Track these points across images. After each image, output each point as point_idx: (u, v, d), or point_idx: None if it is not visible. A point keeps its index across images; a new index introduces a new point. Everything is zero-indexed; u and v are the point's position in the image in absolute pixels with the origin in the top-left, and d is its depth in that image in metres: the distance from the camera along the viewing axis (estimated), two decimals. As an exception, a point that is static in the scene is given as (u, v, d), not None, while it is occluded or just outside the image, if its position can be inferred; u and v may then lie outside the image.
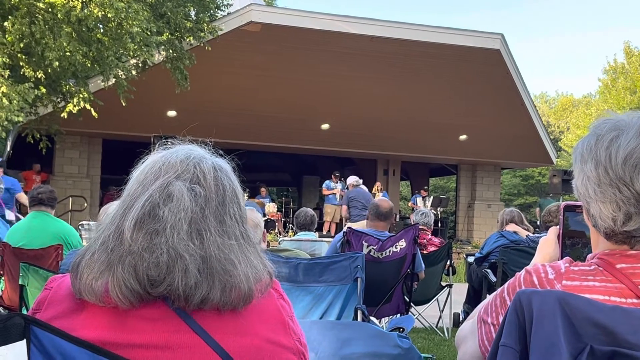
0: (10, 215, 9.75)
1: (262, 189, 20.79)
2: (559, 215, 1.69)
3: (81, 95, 12.93)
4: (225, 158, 1.49)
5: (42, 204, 6.42)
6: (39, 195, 6.44)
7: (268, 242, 5.76)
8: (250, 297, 1.36)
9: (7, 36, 11.72)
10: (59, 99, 13.95)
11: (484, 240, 8.63)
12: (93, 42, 12.55)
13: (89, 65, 12.78)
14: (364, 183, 15.25)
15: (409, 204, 21.37)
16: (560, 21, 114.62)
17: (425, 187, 21.75)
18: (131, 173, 1.44)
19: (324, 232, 17.75)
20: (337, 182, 18.65)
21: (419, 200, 20.69)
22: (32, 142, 14.42)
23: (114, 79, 13.32)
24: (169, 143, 1.50)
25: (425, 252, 8.08)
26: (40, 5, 11.54)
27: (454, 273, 8.61)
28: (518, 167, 31.95)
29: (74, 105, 12.98)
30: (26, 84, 11.56)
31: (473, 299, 8.19)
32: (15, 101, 11.24)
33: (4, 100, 11.19)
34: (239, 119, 19.28)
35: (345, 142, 21.33)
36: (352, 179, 14.17)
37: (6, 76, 11.60)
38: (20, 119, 11.52)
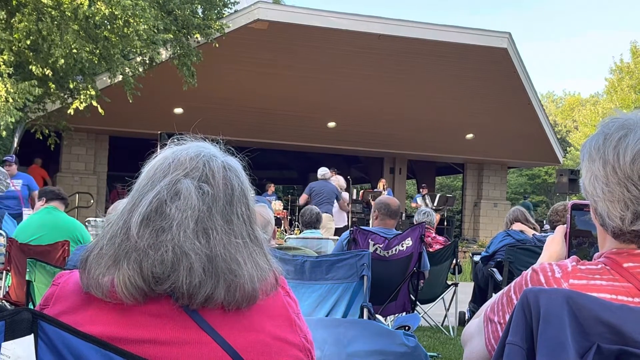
0: (28, 211, 9.72)
1: (270, 187, 20.74)
2: (566, 214, 1.68)
3: (88, 92, 12.96)
4: (237, 156, 1.49)
5: (58, 198, 6.47)
6: (55, 191, 6.51)
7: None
8: (254, 297, 1.36)
9: (14, 33, 11.75)
10: (66, 96, 13.99)
11: (489, 239, 8.62)
12: (100, 39, 12.58)
13: (95, 62, 12.80)
14: (369, 180, 15.20)
15: (412, 205, 21.31)
16: (568, 21, 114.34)
17: (424, 185, 21.67)
18: (142, 168, 1.44)
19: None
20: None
21: (419, 199, 20.61)
22: (40, 138, 14.46)
23: (121, 76, 13.34)
24: (180, 139, 1.50)
25: (431, 250, 8.07)
26: (47, 1, 11.56)
27: (459, 272, 8.60)
28: (525, 167, 31.89)
29: (81, 102, 13.01)
30: (26, 82, 11.57)
31: (479, 298, 8.17)
32: (11, 100, 11.23)
33: (2, 99, 11.20)
34: (245, 117, 19.30)
35: (351, 140, 21.32)
36: (319, 171, 13.94)
37: (10, 73, 11.62)
38: (13, 119, 11.50)
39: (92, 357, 1.22)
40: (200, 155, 1.41)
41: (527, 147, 22.54)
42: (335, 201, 13.70)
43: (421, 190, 21.39)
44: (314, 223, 7.63)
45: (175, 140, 1.50)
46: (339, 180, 15.25)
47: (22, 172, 11.52)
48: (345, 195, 15.21)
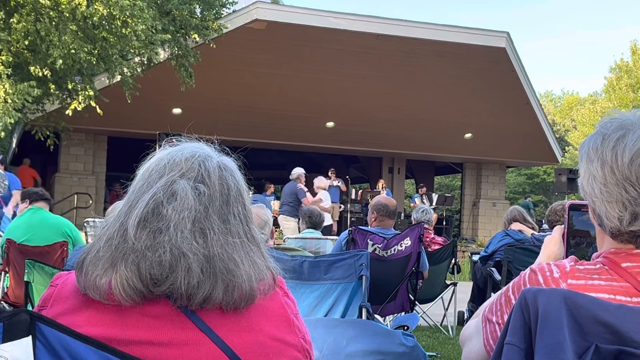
0: (7, 211, 9.65)
1: (270, 187, 20.72)
2: (564, 214, 1.68)
3: (86, 93, 12.95)
4: (231, 156, 1.49)
5: (42, 199, 6.50)
6: (39, 192, 6.55)
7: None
8: (252, 297, 1.36)
9: (12, 34, 11.74)
10: (64, 96, 13.99)
11: (488, 239, 8.61)
12: (98, 39, 12.57)
13: (94, 62, 12.80)
14: (368, 180, 15.18)
15: (411, 205, 21.29)
16: (567, 21, 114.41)
17: (422, 185, 21.66)
18: (138, 170, 1.44)
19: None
20: (335, 179, 18.54)
21: (417, 199, 20.58)
22: (41, 139, 14.46)
23: (119, 77, 13.34)
24: (174, 140, 1.50)
25: (429, 250, 8.06)
26: (45, 2, 11.55)
27: (458, 271, 8.60)
28: (523, 166, 31.89)
29: (79, 103, 13.01)
30: (25, 83, 11.56)
31: (478, 298, 8.18)
32: (10, 101, 11.21)
33: (0, 100, 11.19)
34: (244, 117, 19.29)
35: (350, 140, 21.31)
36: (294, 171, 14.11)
37: (9, 74, 11.60)
38: (12, 121, 11.49)
39: (90, 359, 1.22)
40: (195, 156, 1.41)
41: (526, 147, 22.55)
42: (300, 201, 13.79)
43: (419, 190, 21.38)
44: (320, 224, 7.61)
45: (170, 141, 1.50)
46: (320, 182, 15.27)
47: (9, 172, 11.46)
48: (322, 194, 15.16)
